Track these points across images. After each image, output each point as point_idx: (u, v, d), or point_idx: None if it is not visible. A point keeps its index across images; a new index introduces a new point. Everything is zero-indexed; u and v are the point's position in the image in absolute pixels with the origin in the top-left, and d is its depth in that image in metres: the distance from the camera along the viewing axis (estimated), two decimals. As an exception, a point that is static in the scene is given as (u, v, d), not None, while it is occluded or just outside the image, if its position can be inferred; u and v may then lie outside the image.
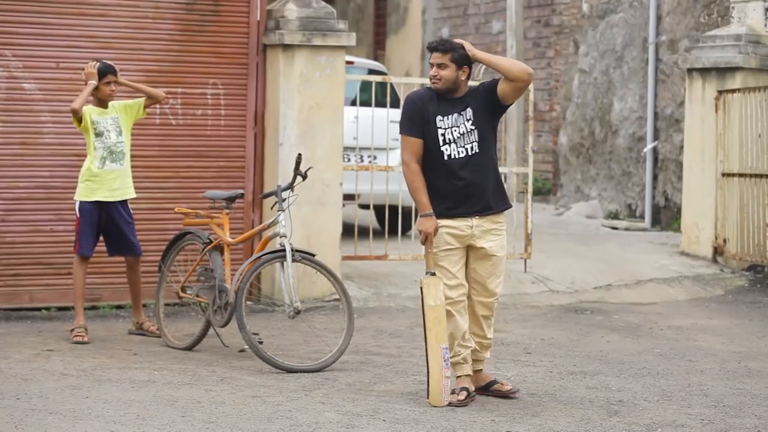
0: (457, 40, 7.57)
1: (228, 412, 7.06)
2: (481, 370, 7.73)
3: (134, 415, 6.91)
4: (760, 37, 13.60)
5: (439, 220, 7.44)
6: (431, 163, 7.49)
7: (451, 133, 7.48)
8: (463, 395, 7.43)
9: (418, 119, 7.48)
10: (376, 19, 24.01)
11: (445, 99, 7.53)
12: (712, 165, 13.41)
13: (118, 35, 10.42)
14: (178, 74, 10.62)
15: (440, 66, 7.47)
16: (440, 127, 7.48)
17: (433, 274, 7.44)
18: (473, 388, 7.55)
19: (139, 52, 10.47)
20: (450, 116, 7.50)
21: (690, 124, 13.87)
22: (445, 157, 7.47)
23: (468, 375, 7.55)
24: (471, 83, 7.67)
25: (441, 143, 7.47)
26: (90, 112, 9.23)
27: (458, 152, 7.47)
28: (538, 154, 18.42)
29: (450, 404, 7.37)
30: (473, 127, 7.49)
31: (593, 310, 11.26)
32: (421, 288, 7.43)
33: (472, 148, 7.47)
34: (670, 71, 16.36)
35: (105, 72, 9.22)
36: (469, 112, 7.51)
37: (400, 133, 7.56)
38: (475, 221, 7.49)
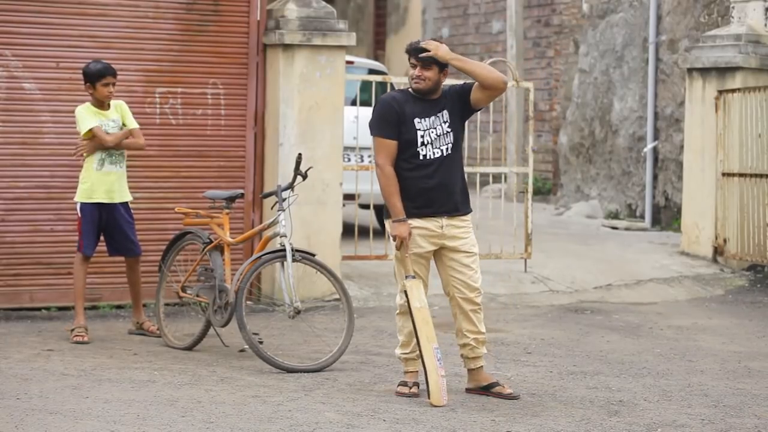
0: (431, 42, 7.54)
1: (228, 412, 7.07)
2: (482, 367, 7.74)
3: (134, 415, 6.91)
4: (760, 36, 13.60)
5: (409, 220, 7.50)
6: (405, 164, 7.53)
7: (429, 134, 7.53)
8: (416, 389, 7.60)
9: (394, 121, 7.50)
10: (376, 19, 24.01)
11: (421, 100, 7.57)
12: (712, 165, 13.40)
13: (118, 35, 10.42)
14: (178, 74, 10.62)
15: (424, 67, 7.49)
16: (419, 129, 7.51)
17: (413, 276, 7.50)
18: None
19: (139, 52, 10.47)
20: (428, 118, 7.54)
21: (690, 124, 13.87)
22: (421, 157, 7.51)
23: (416, 371, 7.70)
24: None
25: (419, 144, 7.50)
26: (90, 111, 9.22)
27: (433, 153, 7.52)
28: (538, 154, 18.42)
29: (399, 394, 7.55)
30: (449, 129, 7.56)
31: (593, 310, 11.26)
32: (405, 292, 7.49)
33: (447, 149, 7.54)
34: (670, 71, 16.36)
35: (104, 73, 9.20)
36: (445, 114, 7.57)
37: (374, 134, 7.57)
38: (444, 221, 7.55)
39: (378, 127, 7.55)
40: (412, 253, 7.53)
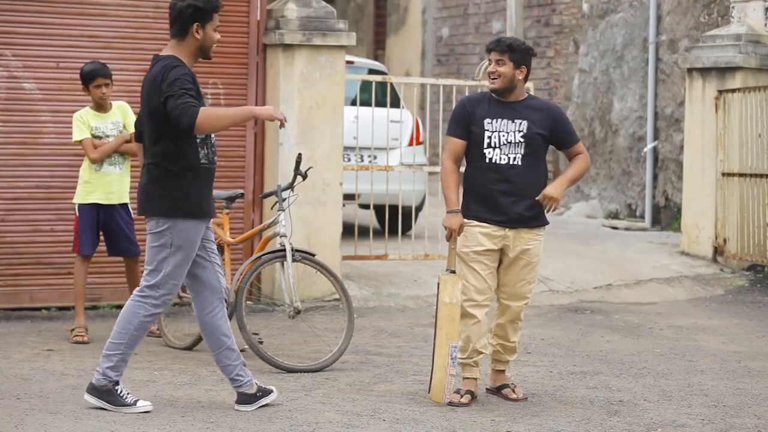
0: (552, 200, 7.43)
1: (228, 412, 7.07)
2: (503, 371, 7.70)
3: (134, 415, 6.91)
4: (760, 36, 13.60)
5: (473, 221, 7.42)
6: (475, 164, 7.46)
7: (498, 137, 7.40)
8: (467, 398, 7.43)
9: (464, 121, 7.43)
10: (376, 19, 24.00)
11: (497, 102, 7.46)
12: (712, 165, 13.41)
13: (118, 35, 10.42)
14: (178, 74, 10.61)
15: (498, 62, 7.41)
16: (487, 130, 7.41)
17: (453, 271, 7.41)
18: (477, 392, 7.56)
19: (139, 52, 10.46)
20: (499, 120, 7.43)
21: (690, 124, 13.87)
22: (487, 160, 7.40)
23: (475, 378, 7.53)
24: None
25: (485, 146, 7.40)
26: (88, 117, 9.22)
27: (500, 158, 7.39)
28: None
29: (451, 403, 7.37)
30: (522, 140, 7.40)
31: (593, 309, 11.26)
32: (438, 284, 7.41)
33: (515, 158, 7.38)
34: (670, 71, 16.36)
35: (94, 75, 9.18)
36: (523, 124, 7.41)
37: (446, 132, 7.60)
38: (507, 230, 7.42)
39: (449, 125, 7.52)
40: (471, 251, 7.41)
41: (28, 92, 10.16)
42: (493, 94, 7.51)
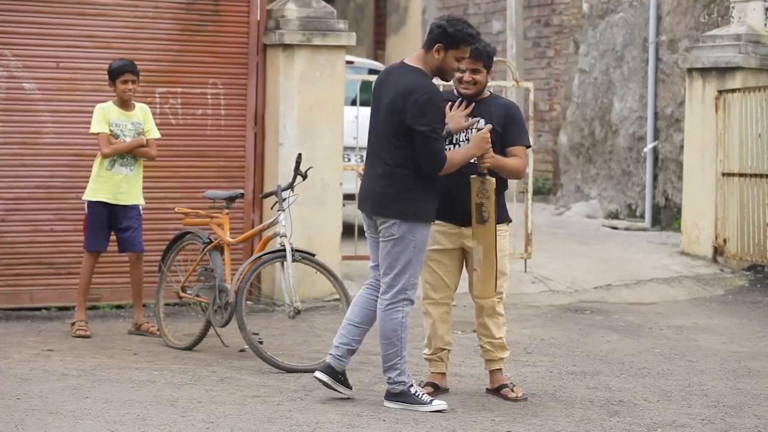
0: (481, 125, 7.39)
1: (228, 412, 7.07)
2: (500, 370, 7.71)
3: (134, 415, 6.91)
4: (760, 36, 13.60)
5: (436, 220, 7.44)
6: None
7: (455, 136, 7.44)
8: (427, 390, 7.52)
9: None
10: (376, 19, 24.00)
11: (460, 103, 7.48)
12: (712, 165, 13.41)
13: (117, 35, 10.42)
14: (178, 74, 10.63)
15: (474, 71, 7.43)
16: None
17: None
18: (444, 385, 7.68)
19: (138, 52, 10.46)
20: None
21: (690, 124, 13.87)
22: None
23: (442, 373, 7.67)
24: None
25: (446, 143, 7.41)
26: (110, 112, 9.24)
27: None
28: (538, 154, 18.42)
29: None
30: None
31: (593, 310, 11.26)
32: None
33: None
34: (670, 71, 16.36)
35: (122, 70, 9.22)
36: (480, 122, 7.44)
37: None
38: (463, 229, 7.47)
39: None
40: (430, 249, 7.43)
41: (28, 92, 10.16)
42: (461, 97, 7.52)
